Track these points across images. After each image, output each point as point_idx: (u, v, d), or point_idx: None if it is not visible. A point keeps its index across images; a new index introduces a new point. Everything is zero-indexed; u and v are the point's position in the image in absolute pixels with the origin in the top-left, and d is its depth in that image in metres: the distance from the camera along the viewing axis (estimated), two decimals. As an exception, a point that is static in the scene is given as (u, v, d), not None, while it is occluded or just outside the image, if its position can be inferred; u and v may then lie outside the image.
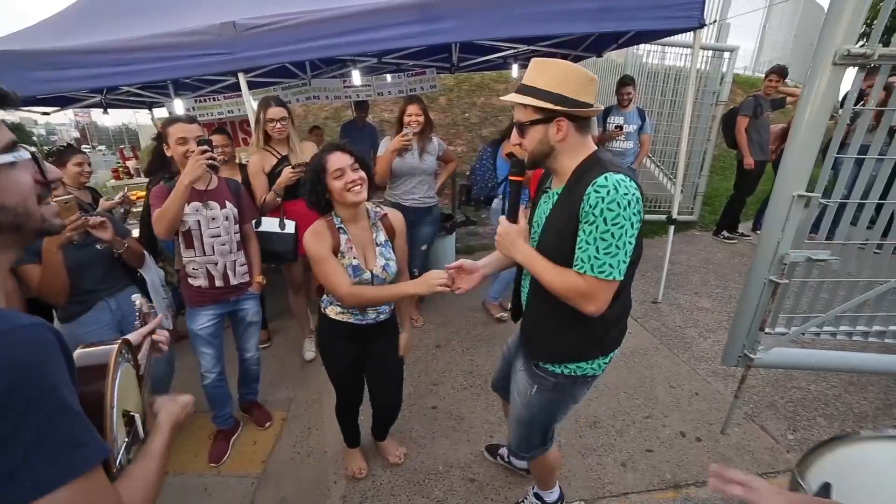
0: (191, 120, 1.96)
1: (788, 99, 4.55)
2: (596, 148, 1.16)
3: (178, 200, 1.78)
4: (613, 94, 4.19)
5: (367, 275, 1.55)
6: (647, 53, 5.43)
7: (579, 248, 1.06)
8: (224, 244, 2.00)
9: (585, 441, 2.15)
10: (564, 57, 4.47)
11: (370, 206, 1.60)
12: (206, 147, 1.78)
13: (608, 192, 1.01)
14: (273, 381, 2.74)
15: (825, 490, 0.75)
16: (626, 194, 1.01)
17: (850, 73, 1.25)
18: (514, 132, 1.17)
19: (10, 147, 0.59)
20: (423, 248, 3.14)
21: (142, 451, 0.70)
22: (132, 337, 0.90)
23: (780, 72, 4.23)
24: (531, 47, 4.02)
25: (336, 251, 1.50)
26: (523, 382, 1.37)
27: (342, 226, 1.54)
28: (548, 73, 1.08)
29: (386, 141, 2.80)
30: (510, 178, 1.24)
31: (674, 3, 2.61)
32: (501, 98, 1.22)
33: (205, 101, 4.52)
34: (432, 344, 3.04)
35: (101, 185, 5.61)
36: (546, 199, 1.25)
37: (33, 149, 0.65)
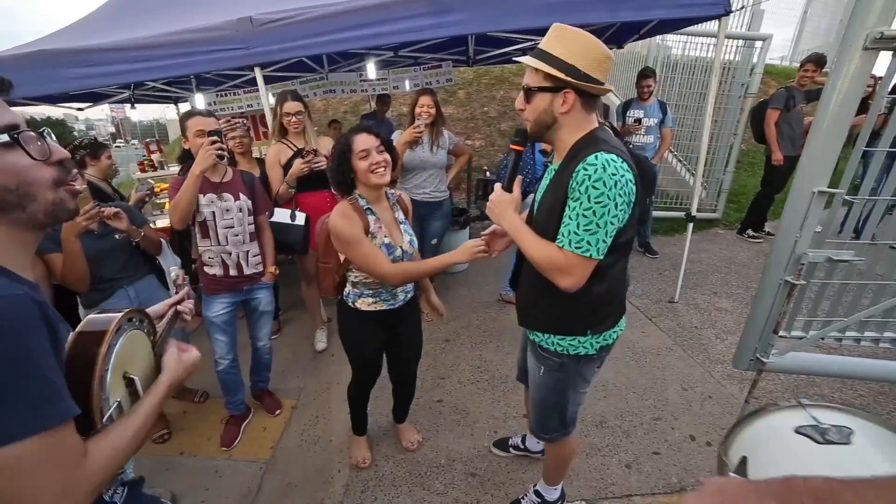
0: (208, 114, 2.04)
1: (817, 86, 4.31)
2: (597, 126, 1.13)
3: (190, 191, 1.83)
4: (634, 87, 4.06)
5: (399, 251, 1.59)
6: (673, 44, 5.23)
7: (563, 224, 1.07)
8: (237, 235, 2.06)
9: (591, 440, 2.11)
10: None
11: (388, 190, 1.65)
12: (215, 138, 1.83)
13: (595, 170, 1.00)
14: (284, 371, 2.81)
15: (742, 464, 0.80)
16: (613, 174, 1.00)
17: (885, 58, 1.17)
18: (521, 96, 1.15)
19: (6, 129, 0.60)
20: (434, 241, 3.14)
21: (129, 411, 0.74)
22: (158, 307, 0.98)
23: (816, 61, 3.99)
24: (549, 39, 3.94)
25: (366, 232, 1.51)
26: (532, 365, 1.40)
27: (369, 206, 1.56)
28: (566, 41, 1.06)
29: (398, 134, 2.80)
30: (511, 146, 1.22)
31: (696, -11, 2.50)
32: (516, 58, 1.19)
33: (225, 95, 4.63)
34: (441, 338, 3.05)
35: (128, 176, 5.84)
36: (547, 174, 1.26)
37: (44, 129, 0.67)
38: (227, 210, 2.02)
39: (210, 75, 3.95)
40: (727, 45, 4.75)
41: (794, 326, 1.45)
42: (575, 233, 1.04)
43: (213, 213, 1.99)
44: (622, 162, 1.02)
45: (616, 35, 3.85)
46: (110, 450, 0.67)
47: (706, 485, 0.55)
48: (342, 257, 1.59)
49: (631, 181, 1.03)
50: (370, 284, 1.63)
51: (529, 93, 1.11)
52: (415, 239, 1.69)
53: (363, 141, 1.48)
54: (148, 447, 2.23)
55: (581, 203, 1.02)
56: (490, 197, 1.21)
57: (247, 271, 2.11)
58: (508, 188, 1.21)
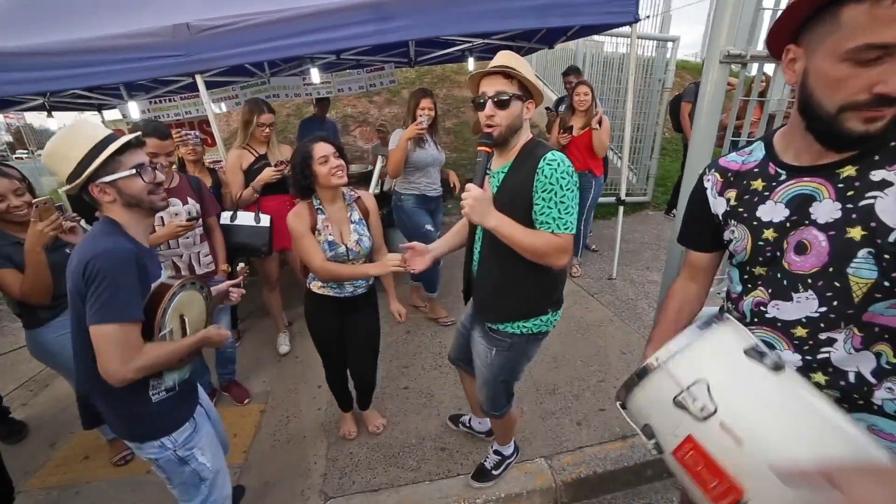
0: (164, 136, 2.06)
1: (726, 87, 4.90)
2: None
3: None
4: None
5: (343, 248, 1.78)
6: (597, 44, 5.68)
7: (542, 214, 1.24)
8: (187, 237, 2.15)
9: (545, 406, 2.35)
10: (520, 48, 4.64)
11: (346, 190, 1.83)
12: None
13: (559, 165, 1.22)
14: (249, 377, 2.81)
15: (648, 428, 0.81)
16: (569, 166, 1.25)
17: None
18: (490, 105, 1.25)
19: (136, 167, 1.17)
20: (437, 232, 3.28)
21: (176, 341, 1.20)
22: (220, 286, 1.54)
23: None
24: (486, 41, 4.16)
25: (313, 229, 1.73)
26: (483, 347, 1.53)
27: (320, 206, 1.77)
28: (522, 64, 1.28)
29: (399, 132, 2.85)
30: (479, 148, 1.27)
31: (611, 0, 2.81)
32: (502, 66, 1.24)
33: (161, 102, 4.43)
34: (402, 330, 3.18)
35: (52, 191, 5.37)
36: (493, 176, 1.38)
37: (155, 163, 1.27)
38: (176, 214, 2.11)
39: (141, 81, 3.77)
40: (644, 45, 5.27)
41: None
42: (559, 217, 1.23)
43: (162, 217, 2.06)
44: (566, 157, 1.27)
45: (546, 36, 4.16)
46: (155, 353, 1.13)
47: (851, 485, 0.53)
48: None
49: (574, 172, 1.27)
50: None
51: (504, 101, 1.24)
52: (365, 239, 1.84)
53: (322, 148, 1.68)
54: (110, 473, 2.17)
55: (556, 192, 1.22)
56: (467, 195, 1.19)
57: (199, 271, 2.22)
58: (481, 185, 1.25)
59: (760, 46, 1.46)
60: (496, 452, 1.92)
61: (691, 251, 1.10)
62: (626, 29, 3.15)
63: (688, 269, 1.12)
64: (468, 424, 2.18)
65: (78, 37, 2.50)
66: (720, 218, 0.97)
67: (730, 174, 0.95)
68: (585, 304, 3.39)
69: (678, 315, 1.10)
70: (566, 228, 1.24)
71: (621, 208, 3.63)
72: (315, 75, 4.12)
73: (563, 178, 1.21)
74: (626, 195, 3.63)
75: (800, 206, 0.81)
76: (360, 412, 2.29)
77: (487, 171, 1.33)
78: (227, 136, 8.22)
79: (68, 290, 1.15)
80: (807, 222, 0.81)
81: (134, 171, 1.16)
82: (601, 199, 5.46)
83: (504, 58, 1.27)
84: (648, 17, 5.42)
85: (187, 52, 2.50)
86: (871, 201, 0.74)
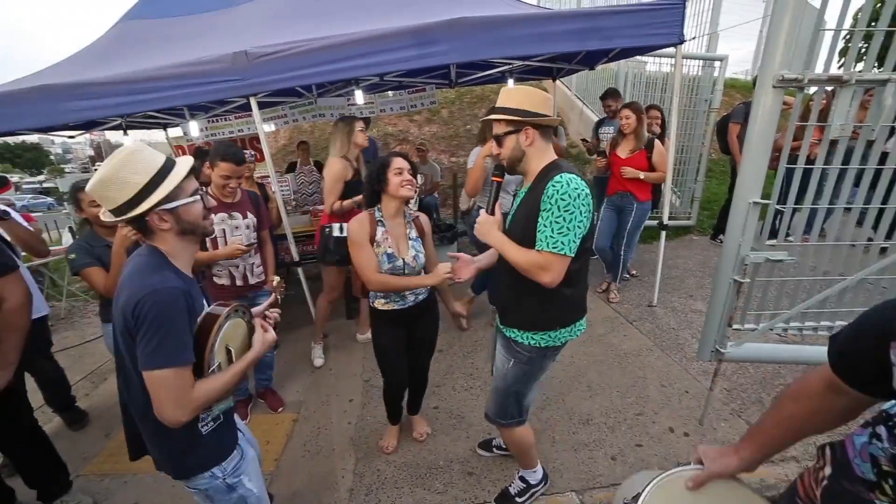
0: (240, 162, 2.20)
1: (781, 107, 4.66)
2: (556, 157, 1.40)
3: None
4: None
5: (400, 262, 1.85)
6: (640, 64, 5.59)
7: (539, 232, 1.30)
8: None
9: (578, 437, 2.26)
10: (560, 70, 4.66)
11: (407, 209, 1.93)
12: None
13: (562, 186, 1.26)
14: (283, 385, 2.90)
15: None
16: (576, 188, 1.26)
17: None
18: (494, 144, 1.45)
19: (194, 192, 1.15)
20: None
21: (225, 370, 1.17)
22: (258, 308, 1.45)
23: (769, 79, 4.34)
24: (526, 62, 4.21)
25: (372, 240, 1.81)
26: (502, 357, 1.61)
27: (381, 219, 1.86)
28: (513, 96, 1.38)
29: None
30: (493, 178, 1.49)
31: (654, 21, 2.78)
32: (480, 118, 1.47)
33: (217, 121, 4.77)
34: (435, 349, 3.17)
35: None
36: (517, 199, 1.52)
37: (203, 190, 1.22)
38: (237, 227, 2.27)
39: (202, 103, 4.10)
40: (690, 64, 5.13)
41: (746, 320, 1.64)
42: (550, 236, 1.27)
43: (224, 230, 2.23)
44: (581, 180, 1.29)
45: (587, 58, 4.15)
46: (206, 390, 1.10)
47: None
48: None
49: (589, 195, 1.29)
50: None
51: (499, 140, 1.41)
52: (421, 256, 1.92)
53: (400, 161, 1.83)
54: (152, 466, 2.30)
55: (552, 213, 1.26)
56: (477, 220, 1.45)
57: (251, 281, 2.37)
58: (491, 212, 1.46)
59: (819, 69, 1.39)
60: (521, 479, 1.87)
61: None
62: (671, 49, 3.08)
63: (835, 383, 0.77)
64: (504, 447, 2.13)
65: (152, 65, 2.77)
66: None
67: None
68: (623, 332, 3.26)
69: (803, 423, 0.82)
70: (555, 248, 1.27)
71: (663, 233, 3.49)
72: (359, 96, 4.31)
73: (563, 199, 1.24)
74: (669, 219, 3.49)
75: None
76: (408, 418, 2.36)
77: (499, 198, 1.49)
78: (275, 152, 8.69)
79: (115, 326, 1.11)
80: None
81: (197, 197, 1.15)
82: (645, 223, 5.33)
83: (500, 98, 1.40)
84: (694, 38, 5.28)
85: (244, 76, 2.70)
86: None
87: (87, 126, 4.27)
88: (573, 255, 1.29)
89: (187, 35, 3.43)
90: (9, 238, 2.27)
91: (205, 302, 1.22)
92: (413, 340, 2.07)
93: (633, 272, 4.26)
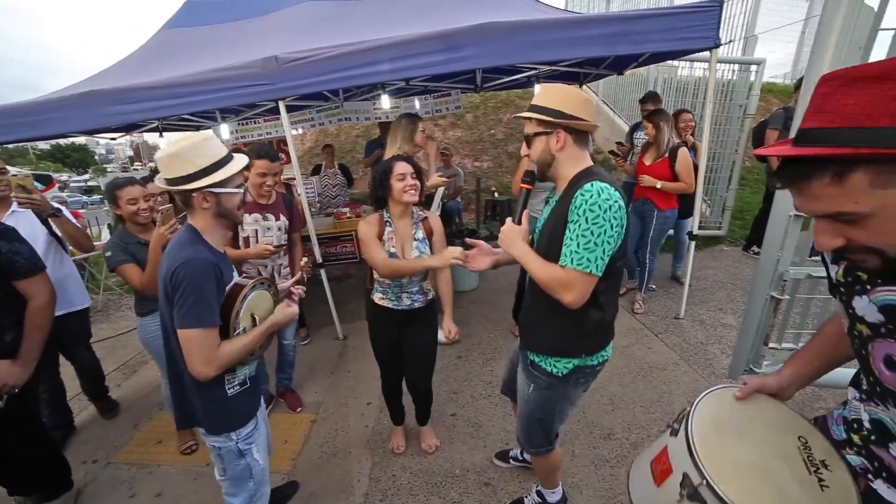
0: (274, 159, 2.29)
1: None
2: (593, 164, 1.30)
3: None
4: (638, 109, 4.24)
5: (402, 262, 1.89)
6: (672, 69, 5.44)
7: (565, 245, 1.18)
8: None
9: (599, 452, 2.19)
10: (587, 75, 4.58)
11: (416, 210, 1.94)
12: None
13: (591, 196, 1.14)
14: (302, 386, 2.94)
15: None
16: (607, 199, 1.13)
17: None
18: (524, 144, 1.36)
19: (238, 186, 1.33)
20: None
21: (247, 333, 1.33)
22: (284, 284, 1.63)
23: (811, 84, 4.14)
24: (553, 67, 4.15)
25: (380, 237, 1.86)
26: (522, 382, 1.52)
27: (390, 219, 1.88)
28: (550, 94, 1.27)
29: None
30: (522, 185, 1.40)
31: (687, 24, 2.68)
32: (514, 115, 1.41)
33: (246, 123, 4.91)
34: (454, 354, 3.16)
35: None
36: (547, 206, 1.42)
37: (246, 185, 1.40)
38: (269, 228, 2.34)
39: (233, 106, 4.23)
40: (724, 68, 4.95)
41: (785, 338, 1.55)
42: (576, 251, 1.15)
43: (256, 230, 2.30)
44: (614, 190, 1.16)
45: (616, 63, 4.06)
46: (230, 349, 1.26)
47: None
48: None
49: (622, 207, 1.16)
50: (381, 283, 1.95)
51: (529, 139, 1.32)
52: (426, 255, 1.91)
53: (401, 167, 1.80)
54: (177, 459, 2.38)
55: (580, 225, 1.14)
56: (502, 228, 1.37)
57: (279, 283, 2.34)
58: (518, 221, 1.36)
59: None
60: (539, 493, 1.82)
61: None
62: (705, 53, 2.98)
63: None
64: (521, 458, 2.09)
65: (188, 71, 2.88)
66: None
67: None
68: (648, 344, 3.15)
69: (838, 342, 0.92)
70: (579, 265, 1.15)
71: (692, 243, 3.36)
72: (385, 101, 4.35)
73: (592, 211, 1.13)
74: (699, 228, 3.35)
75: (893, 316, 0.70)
76: (416, 428, 2.34)
77: (525, 206, 1.40)
78: (300, 154, 8.89)
79: (160, 293, 1.27)
80: None
81: (240, 190, 1.33)
82: (671, 232, 5.16)
83: (537, 94, 1.31)
84: (732, 41, 5.10)
85: (274, 81, 2.77)
86: None
87: (128, 128, 4.46)
88: (599, 275, 1.17)
89: (221, 42, 3.56)
90: (60, 234, 2.40)
91: (234, 274, 1.39)
92: (406, 346, 2.07)
93: (653, 286, 4.13)
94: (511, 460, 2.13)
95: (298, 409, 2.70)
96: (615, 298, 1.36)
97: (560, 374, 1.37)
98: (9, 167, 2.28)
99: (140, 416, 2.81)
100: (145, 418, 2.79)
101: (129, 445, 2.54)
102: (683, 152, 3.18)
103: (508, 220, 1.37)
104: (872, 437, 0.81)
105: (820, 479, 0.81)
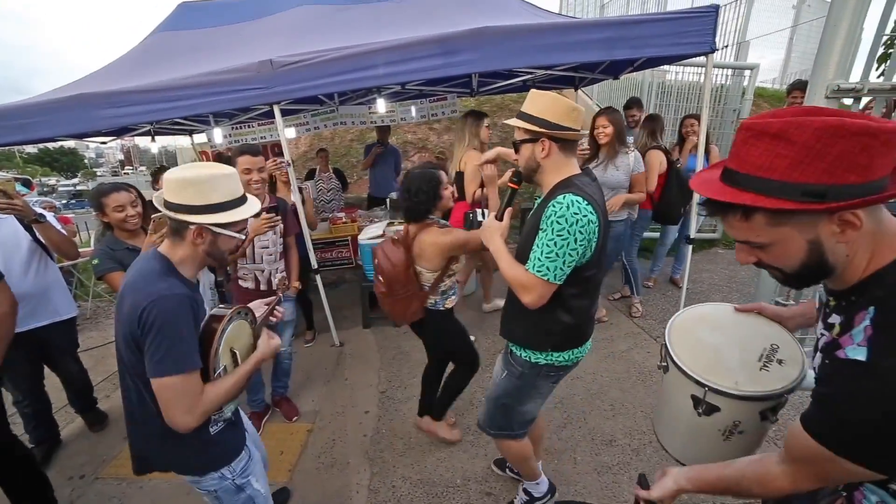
0: (256, 153, 2.25)
1: None
2: (579, 172, 1.32)
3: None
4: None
5: None
6: (667, 72, 5.48)
7: (532, 251, 1.26)
8: (271, 254, 2.35)
9: (601, 459, 2.16)
10: (582, 79, 4.59)
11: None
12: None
13: (560, 209, 1.19)
14: (299, 394, 2.88)
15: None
16: (575, 213, 1.18)
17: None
18: (513, 150, 1.41)
19: (240, 231, 1.19)
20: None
21: (231, 372, 1.17)
22: (256, 305, 1.43)
23: (802, 87, 4.18)
24: (548, 71, 4.15)
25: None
26: (499, 366, 1.62)
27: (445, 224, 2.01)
28: (537, 102, 1.29)
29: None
30: (508, 184, 1.43)
31: (685, 30, 2.69)
32: (505, 121, 1.48)
33: (240, 127, 4.86)
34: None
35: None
36: (534, 207, 1.46)
37: (247, 230, 1.29)
38: (263, 232, 2.28)
39: (227, 110, 4.18)
40: (718, 72, 5.00)
41: (789, 344, 1.53)
42: (538, 259, 1.23)
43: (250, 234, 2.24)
44: (587, 204, 1.19)
45: (611, 67, 4.07)
46: (215, 393, 1.11)
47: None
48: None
49: (592, 222, 1.20)
50: (452, 285, 2.03)
51: (516, 146, 1.37)
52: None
53: (444, 177, 1.92)
54: (168, 473, 2.30)
55: (547, 234, 1.21)
56: (484, 222, 1.46)
57: (275, 286, 2.38)
58: (500, 217, 1.41)
59: (856, 76, 1.30)
60: (525, 491, 1.83)
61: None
62: (700, 58, 2.99)
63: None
64: (515, 471, 2.05)
65: (181, 74, 2.83)
66: None
67: None
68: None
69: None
70: (539, 271, 1.23)
71: (689, 247, 3.36)
72: (381, 105, 4.33)
73: (559, 223, 1.19)
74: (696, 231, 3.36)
75: None
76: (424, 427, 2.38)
77: (511, 204, 1.43)
78: (295, 158, 8.82)
79: (118, 334, 1.11)
80: None
81: (241, 236, 1.20)
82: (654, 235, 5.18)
83: (527, 101, 1.32)
84: (727, 46, 5.16)
85: (269, 84, 2.73)
86: None
87: (119, 132, 4.39)
88: (558, 283, 1.24)
89: (215, 45, 3.51)
90: (43, 240, 2.33)
91: (206, 308, 1.21)
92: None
93: (649, 283, 4.15)
94: (507, 471, 2.10)
95: (294, 419, 2.64)
96: (588, 305, 1.42)
97: (529, 362, 1.45)
98: None
99: (130, 428, 2.73)
100: (136, 430, 2.71)
101: (118, 459, 2.46)
102: (650, 156, 3.23)
103: (491, 215, 1.44)
104: None
105: (765, 366, 0.94)
